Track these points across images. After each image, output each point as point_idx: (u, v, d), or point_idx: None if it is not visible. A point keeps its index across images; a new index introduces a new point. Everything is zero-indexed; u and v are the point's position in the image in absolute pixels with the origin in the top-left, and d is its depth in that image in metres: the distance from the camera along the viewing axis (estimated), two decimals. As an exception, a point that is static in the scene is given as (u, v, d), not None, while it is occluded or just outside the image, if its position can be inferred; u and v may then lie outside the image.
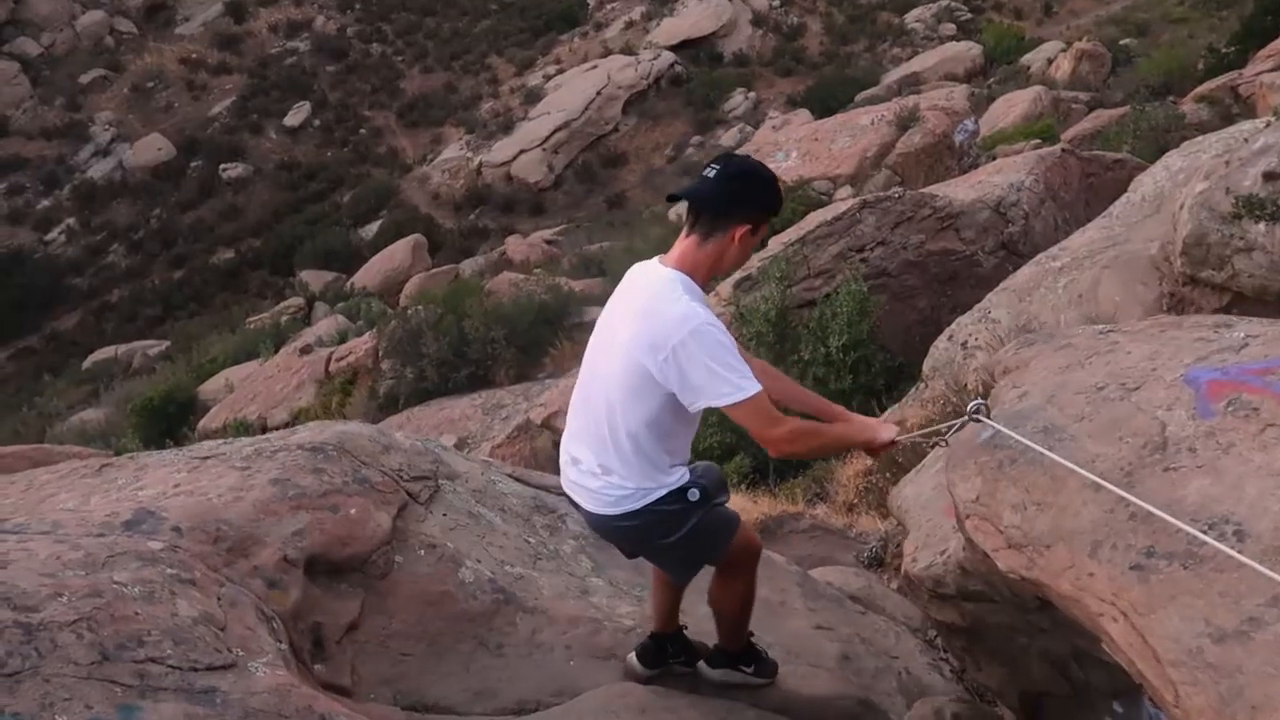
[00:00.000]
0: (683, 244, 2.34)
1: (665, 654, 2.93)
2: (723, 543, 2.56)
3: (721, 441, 7.39)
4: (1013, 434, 2.07)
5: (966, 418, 3.39)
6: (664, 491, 2.41)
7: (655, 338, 2.22)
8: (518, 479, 4.20)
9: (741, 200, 2.29)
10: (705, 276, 2.34)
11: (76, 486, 3.41)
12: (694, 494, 2.44)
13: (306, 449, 3.39)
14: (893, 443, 2.43)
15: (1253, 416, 1.86)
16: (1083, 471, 1.86)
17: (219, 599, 2.70)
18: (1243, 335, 2.16)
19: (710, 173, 2.30)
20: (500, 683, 3.02)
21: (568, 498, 4.03)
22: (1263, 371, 1.95)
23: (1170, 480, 1.81)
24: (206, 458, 3.51)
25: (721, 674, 2.92)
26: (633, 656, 2.93)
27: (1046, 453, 1.95)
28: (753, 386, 2.19)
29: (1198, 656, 1.51)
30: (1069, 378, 2.25)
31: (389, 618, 3.08)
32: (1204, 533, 1.65)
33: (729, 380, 2.18)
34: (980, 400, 2.34)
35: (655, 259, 2.42)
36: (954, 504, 2.17)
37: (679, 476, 2.45)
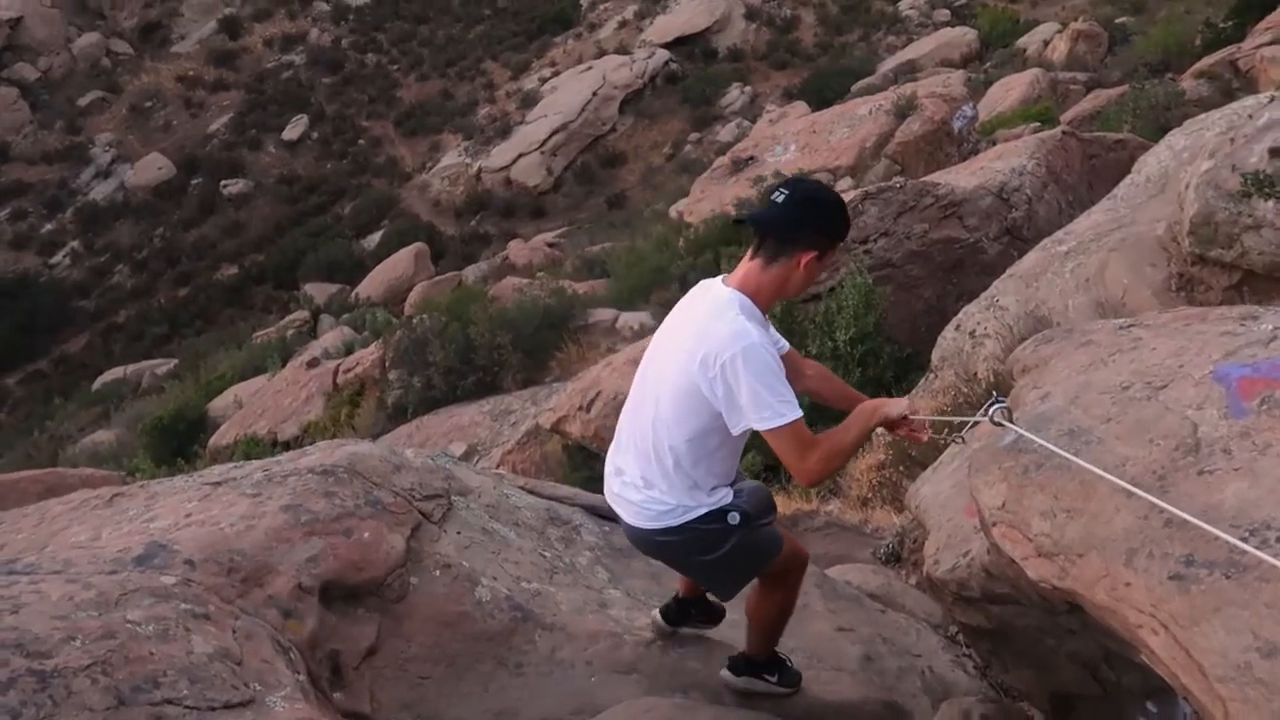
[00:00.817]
0: (746, 266, 2.34)
1: (688, 615, 3.06)
2: (763, 563, 2.58)
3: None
4: (1036, 438, 2.01)
5: (981, 414, 3.34)
6: (704, 510, 2.43)
7: (707, 354, 2.24)
8: (530, 491, 4.17)
9: (808, 226, 2.27)
10: (768, 300, 2.34)
11: (88, 519, 3.39)
12: (734, 517, 2.45)
13: (317, 472, 3.36)
14: (907, 420, 2.37)
15: (1289, 415, 1.79)
16: (1112, 478, 1.80)
17: (234, 632, 2.67)
18: (1270, 328, 2.09)
19: (779, 197, 2.29)
20: (521, 702, 2.99)
21: (581, 509, 4.06)
22: None
23: (1206, 484, 1.75)
24: (218, 484, 3.49)
25: (745, 682, 2.92)
26: (656, 613, 3.07)
27: (1073, 458, 1.89)
28: (793, 413, 2.20)
29: (1246, 672, 1.45)
30: (1092, 377, 2.19)
31: (406, 641, 3.06)
32: (1245, 540, 1.58)
33: (770, 405, 2.19)
34: (1002, 403, 2.24)
35: (719, 278, 2.41)
36: (979, 510, 2.11)
37: (720, 497, 2.45)
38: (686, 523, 2.44)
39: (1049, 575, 1.87)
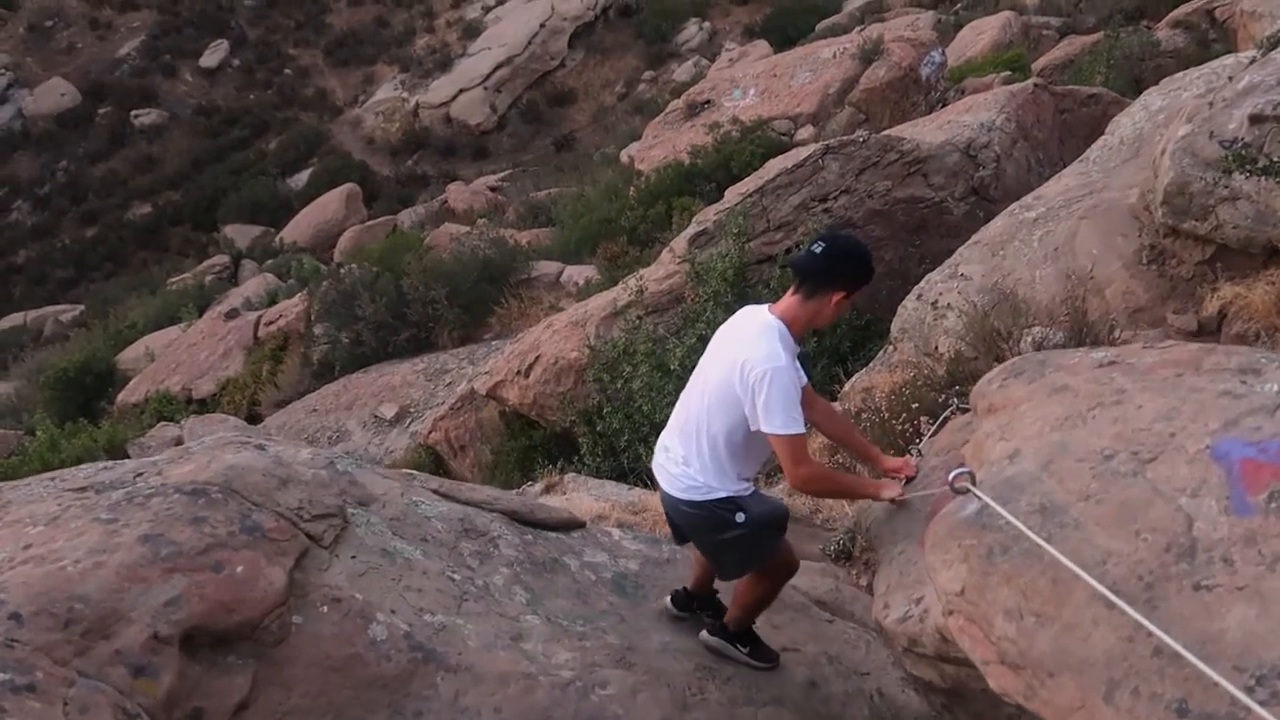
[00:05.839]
0: (788, 299, 2.95)
1: (693, 605, 3.48)
2: (758, 562, 3.17)
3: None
4: (1005, 513, 1.74)
5: (943, 419, 3.13)
6: (723, 495, 3.00)
7: (745, 363, 2.86)
8: (445, 495, 3.75)
9: (840, 274, 2.88)
10: (802, 328, 2.95)
11: (-76, 536, 2.88)
12: (740, 516, 3.00)
13: (186, 492, 2.90)
14: (893, 501, 2.87)
15: (1304, 519, 1.47)
16: (1093, 581, 1.51)
17: (65, 704, 2.26)
18: (1276, 389, 1.77)
19: (817, 248, 2.89)
20: (419, 760, 2.60)
21: (501, 515, 3.65)
22: None
23: (1203, 604, 1.45)
24: (83, 489, 3.05)
25: (718, 643, 3.34)
26: (668, 599, 3.49)
27: (1047, 546, 1.61)
28: (796, 428, 2.80)
29: None
30: (1069, 437, 1.88)
31: (286, 691, 2.67)
32: (1250, 690, 1.29)
33: (781, 415, 2.78)
34: (964, 468, 2.10)
35: (766, 305, 3.01)
36: (936, 590, 1.77)
37: (739, 488, 3.02)
38: (707, 500, 3.00)
39: (1013, 691, 1.62)
